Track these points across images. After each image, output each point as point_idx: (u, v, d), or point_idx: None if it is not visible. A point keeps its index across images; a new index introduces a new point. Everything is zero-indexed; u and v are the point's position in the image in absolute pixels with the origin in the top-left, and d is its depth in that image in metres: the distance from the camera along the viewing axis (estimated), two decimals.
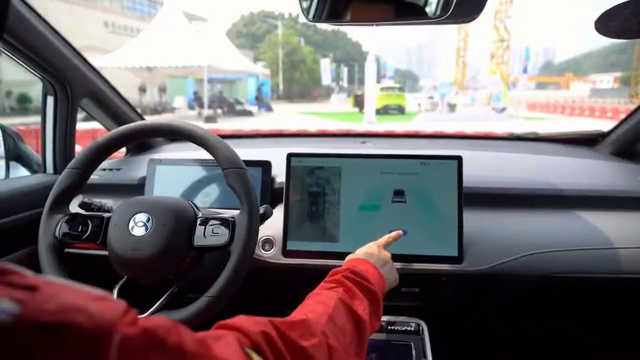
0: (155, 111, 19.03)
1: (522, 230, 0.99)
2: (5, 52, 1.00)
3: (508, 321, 1.20)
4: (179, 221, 0.76)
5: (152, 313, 0.73)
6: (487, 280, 0.95)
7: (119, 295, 0.78)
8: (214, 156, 0.80)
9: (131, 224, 0.75)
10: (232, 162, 0.78)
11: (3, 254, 0.99)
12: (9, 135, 1.25)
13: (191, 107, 20.24)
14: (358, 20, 0.66)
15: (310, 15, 0.69)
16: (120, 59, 15.85)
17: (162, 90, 21.67)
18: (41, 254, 0.80)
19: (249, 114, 19.32)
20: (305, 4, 0.69)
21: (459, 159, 0.95)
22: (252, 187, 0.78)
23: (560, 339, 1.21)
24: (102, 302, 0.26)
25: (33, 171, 1.27)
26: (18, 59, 1.03)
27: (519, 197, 1.07)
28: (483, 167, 1.18)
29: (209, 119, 15.73)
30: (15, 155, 1.26)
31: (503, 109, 19.52)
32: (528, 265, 0.93)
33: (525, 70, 26.82)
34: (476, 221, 0.98)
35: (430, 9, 0.65)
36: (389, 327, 0.90)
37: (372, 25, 0.68)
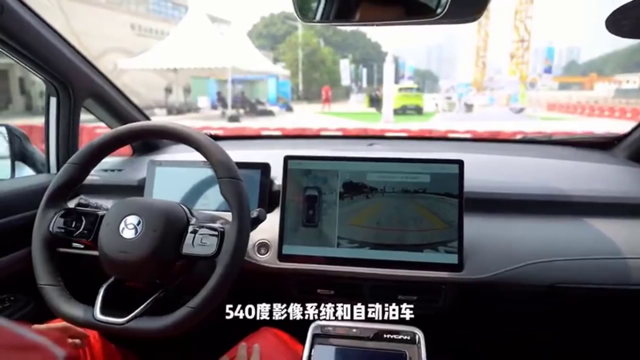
0: (180, 111, 19.61)
1: (527, 238, 0.94)
2: (6, 54, 1.02)
3: (509, 332, 1.16)
4: (169, 227, 0.75)
5: (134, 317, 0.73)
6: (488, 289, 0.91)
7: (105, 294, 0.77)
8: (209, 161, 0.79)
9: (122, 225, 0.75)
10: (227, 172, 0.77)
11: (4, 253, 1.01)
12: (16, 135, 1.25)
13: (214, 107, 20.68)
14: (360, 20, 0.64)
15: (314, 15, 0.67)
16: (148, 60, 16.56)
17: (187, 91, 22.30)
18: (34, 247, 0.79)
19: (270, 113, 19.63)
20: (302, 5, 0.67)
21: (460, 163, 0.92)
22: (245, 200, 0.76)
23: (564, 352, 1.18)
24: (28, 353, 0.19)
25: (38, 171, 1.27)
26: (19, 61, 1.04)
27: (523, 202, 1.02)
28: (489, 171, 1.14)
29: (233, 119, 16.18)
30: (21, 155, 1.26)
31: (521, 110, 19.43)
32: (532, 274, 0.89)
33: (549, 71, 25.97)
34: (478, 227, 0.95)
35: (427, 7, 0.62)
36: (384, 336, 0.87)
37: (373, 25, 0.66)
